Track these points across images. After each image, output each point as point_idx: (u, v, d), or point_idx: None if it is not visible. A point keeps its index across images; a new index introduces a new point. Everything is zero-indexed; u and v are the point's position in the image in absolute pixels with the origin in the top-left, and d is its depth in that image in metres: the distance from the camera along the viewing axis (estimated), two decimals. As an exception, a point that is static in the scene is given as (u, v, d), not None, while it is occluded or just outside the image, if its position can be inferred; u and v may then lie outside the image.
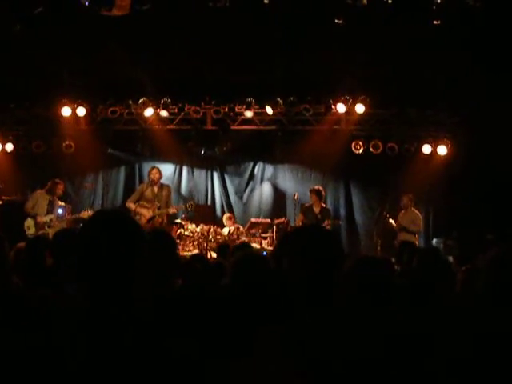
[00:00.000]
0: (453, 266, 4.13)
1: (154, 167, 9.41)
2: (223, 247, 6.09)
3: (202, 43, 8.36)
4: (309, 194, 9.27)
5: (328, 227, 9.08)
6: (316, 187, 9.31)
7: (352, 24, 6.65)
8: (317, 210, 9.09)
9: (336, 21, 6.28)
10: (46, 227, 8.62)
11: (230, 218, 9.67)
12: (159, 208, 9.02)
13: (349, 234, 10.46)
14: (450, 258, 8.11)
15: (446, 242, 9.25)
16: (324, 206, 9.27)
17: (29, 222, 8.68)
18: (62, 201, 9.12)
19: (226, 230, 9.35)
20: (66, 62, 8.38)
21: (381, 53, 8.23)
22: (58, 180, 8.98)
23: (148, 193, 9.15)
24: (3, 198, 9.35)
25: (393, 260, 4.96)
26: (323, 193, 9.25)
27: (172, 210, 9.22)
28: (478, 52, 7.87)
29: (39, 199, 8.82)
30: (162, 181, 9.46)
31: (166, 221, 9.25)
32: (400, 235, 8.99)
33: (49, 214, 8.76)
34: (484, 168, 8.96)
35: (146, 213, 8.99)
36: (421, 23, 6.65)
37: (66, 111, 9.54)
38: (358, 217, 10.59)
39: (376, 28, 7.37)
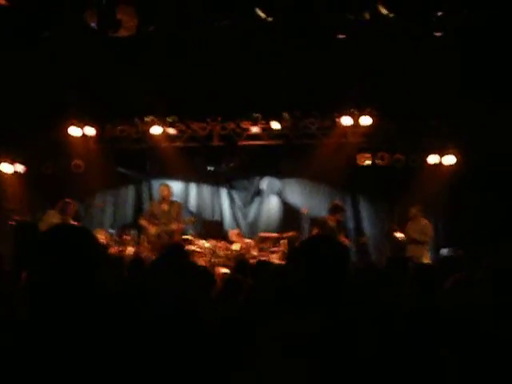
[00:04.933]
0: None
1: (163, 184, 9.55)
2: (241, 263, 6.03)
3: (206, 61, 8.49)
4: (333, 209, 9.11)
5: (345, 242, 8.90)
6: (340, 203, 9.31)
7: (355, 38, 6.74)
8: (333, 223, 9.03)
9: (339, 36, 6.37)
10: None
11: (237, 234, 9.68)
12: (165, 224, 9.12)
13: (358, 246, 10.44)
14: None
15: (456, 252, 9.20)
16: (339, 219, 9.21)
17: None
18: (73, 220, 9.23)
19: (235, 246, 9.36)
20: (74, 82, 8.51)
21: (384, 65, 8.31)
22: (68, 200, 9.11)
23: (157, 210, 9.30)
24: (15, 218, 9.44)
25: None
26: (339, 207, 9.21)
27: (174, 226, 9.24)
28: (482, 62, 7.92)
29: (51, 220, 8.93)
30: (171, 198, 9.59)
31: (178, 238, 9.25)
32: (409, 247, 8.97)
33: None
34: (491, 176, 8.95)
35: (151, 229, 9.13)
36: (423, 35, 6.73)
37: (74, 131, 9.67)
38: (367, 229, 10.58)
39: (379, 41, 7.46)
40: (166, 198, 9.36)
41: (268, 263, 5.50)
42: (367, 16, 5.95)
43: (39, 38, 6.95)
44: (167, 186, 9.53)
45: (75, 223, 9.10)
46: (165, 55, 8.39)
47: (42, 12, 6.36)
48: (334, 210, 9.06)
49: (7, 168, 9.81)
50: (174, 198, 9.81)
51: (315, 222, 9.33)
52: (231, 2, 6.31)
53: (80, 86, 8.63)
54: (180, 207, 9.52)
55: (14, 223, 9.36)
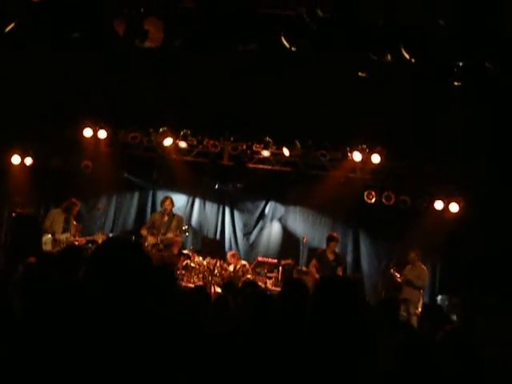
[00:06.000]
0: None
1: (167, 197, 9.62)
2: (229, 284, 6.08)
3: (226, 80, 8.59)
4: (327, 239, 9.25)
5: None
6: (335, 234, 9.36)
7: (375, 77, 6.82)
8: (331, 256, 9.06)
9: (360, 73, 6.45)
10: (62, 245, 8.75)
11: (233, 256, 9.61)
12: (163, 235, 9.15)
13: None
14: (454, 317, 8.03)
15: (451, 299, 9.15)
16: (336, 252, 9.24)
17: (46, 238, 8.83)
18: (76, 221, 9.27)
19: (232, 267, 9.34)
20: (93, 84, 8.62)
21: (401, 107, 8.38)
22: (74, 200, 9.20)
23: (158, 221, 9.39)
24: (17, 210, 9.48)
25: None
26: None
27: (169, 235, 9.22)
28: (495, 114, 7.99)
29: (55, 217, 9.02)
30: (174, 211, 9.63)
31: (175, 252, 9.22)
32: (405, 289, 8.94)
33: (65, 232, 8.93)
34: (494, 229, 8.93)
35: (150, 239, 9.20)
36: (442, 83, 6.80)
37: (87, 132, 9.74)
38: (365, 266, 10.53)
39: (398, 83, 7.54)
40: (168, 211, 9.43)
41: (254, 284, 5.50)
42: (389, 57, 6.03)
43: (68, 38, 7.06)
44: (170, 198, 9.61)
45: (75, 223, 9.17)
46: (187, 70, 8.50)
47: (72, 14, 6.47)
48: (329, 239, 9.18)
49: (15, 159, 9.83)
50: (177, 212, 9.84)
51: (314, 254, 9.34)
52: (258, 27, 6.41)
53: (99, 89, 8.74)
54: (180, 221, 9.54)
55: (14, 215, 9.41)
